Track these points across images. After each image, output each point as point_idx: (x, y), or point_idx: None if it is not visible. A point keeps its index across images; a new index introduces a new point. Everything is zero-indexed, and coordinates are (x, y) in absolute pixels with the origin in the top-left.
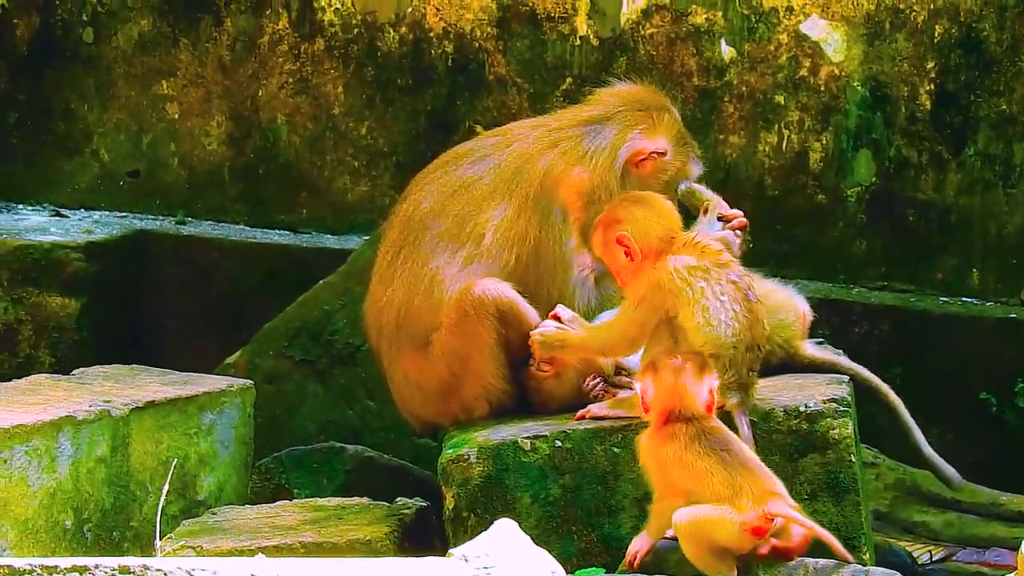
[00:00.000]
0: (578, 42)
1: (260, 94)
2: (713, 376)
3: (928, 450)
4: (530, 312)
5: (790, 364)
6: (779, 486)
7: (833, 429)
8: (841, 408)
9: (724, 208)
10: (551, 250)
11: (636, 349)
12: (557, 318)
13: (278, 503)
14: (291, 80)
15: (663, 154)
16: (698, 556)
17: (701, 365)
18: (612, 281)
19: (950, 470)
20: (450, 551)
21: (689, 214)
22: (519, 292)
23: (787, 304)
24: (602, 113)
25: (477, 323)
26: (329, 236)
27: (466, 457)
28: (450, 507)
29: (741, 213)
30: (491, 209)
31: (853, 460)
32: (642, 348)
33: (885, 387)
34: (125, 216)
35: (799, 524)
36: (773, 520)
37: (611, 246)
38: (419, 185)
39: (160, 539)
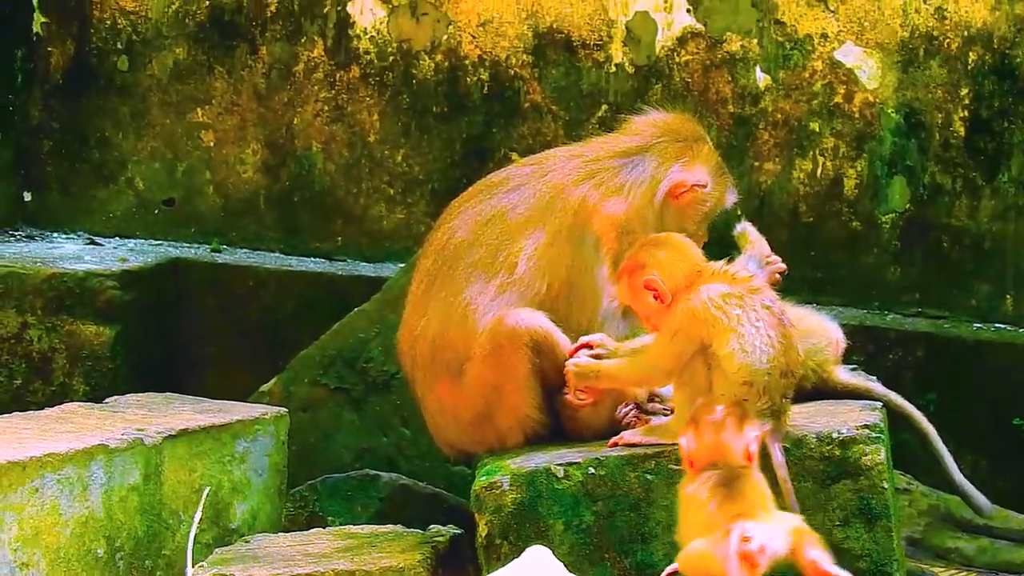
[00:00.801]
0: (613, 69)
1: (295, 122)
2: (754, 426)
3: (959, 477)
4: (564, 341)
5: (823, 390)
6: (760, 510)
7: (866, 455)
8: (874, 434)
9: (765, 250)
10: (583, 280)
11: (671, 380)
12: (588, 346)
13: (311, 531)
14: (326, 108)
15: (704, 186)
16: None
17: (741, 416)
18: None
19: (981, 498)
20: None
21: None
22: (553, 321)
23: (820, 329)
24: (640, 144)
25: (511, 354)
26: (364, 264)
27: (499, 484)
28: (483, 534)
29: (780, 259)
30: (525, 238)
31: (886, 486)
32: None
33: (918, 414)
34: (160, 244)
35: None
36: (749, 542)
37: (639, 292)
38: (453, 214)
39: (192, 567)
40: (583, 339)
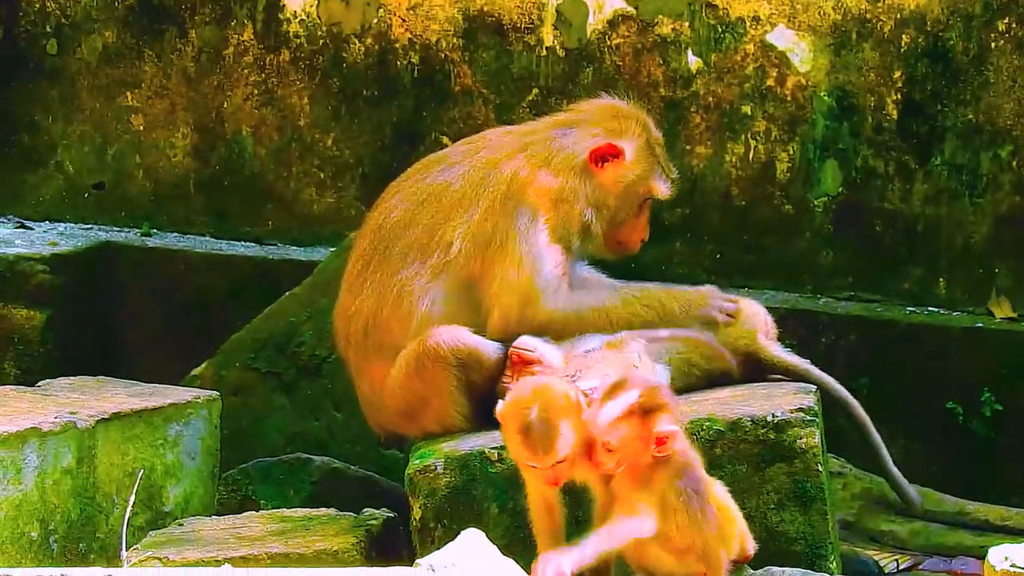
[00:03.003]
0: (544, 53)
1: (225, 106)
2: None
3: (894, 470)
4: (490, 351)
5: (760, 368)
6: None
7: (800, 439)
8: (808, 418)
9: None
10: (516, 246)
11: None
12: (521, 354)
13: (245, 514)
14: (256, 92)
15: (619, 154)
16: None
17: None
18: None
19: (912, 492)
20: (417, 561)
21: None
22: (477, 333)
23: (747, 309)
24: (572, 119)
25: (435, 372)
26: (295, 248)
27: (433, 468)
28: (417, 518)
29: None
30: (459, 216)
31: (820, 469)
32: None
33: (854, 402)
34: (90, 228)
35: None
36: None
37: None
38: (390, 194)
39: (126, 550)
40: (519, 349)
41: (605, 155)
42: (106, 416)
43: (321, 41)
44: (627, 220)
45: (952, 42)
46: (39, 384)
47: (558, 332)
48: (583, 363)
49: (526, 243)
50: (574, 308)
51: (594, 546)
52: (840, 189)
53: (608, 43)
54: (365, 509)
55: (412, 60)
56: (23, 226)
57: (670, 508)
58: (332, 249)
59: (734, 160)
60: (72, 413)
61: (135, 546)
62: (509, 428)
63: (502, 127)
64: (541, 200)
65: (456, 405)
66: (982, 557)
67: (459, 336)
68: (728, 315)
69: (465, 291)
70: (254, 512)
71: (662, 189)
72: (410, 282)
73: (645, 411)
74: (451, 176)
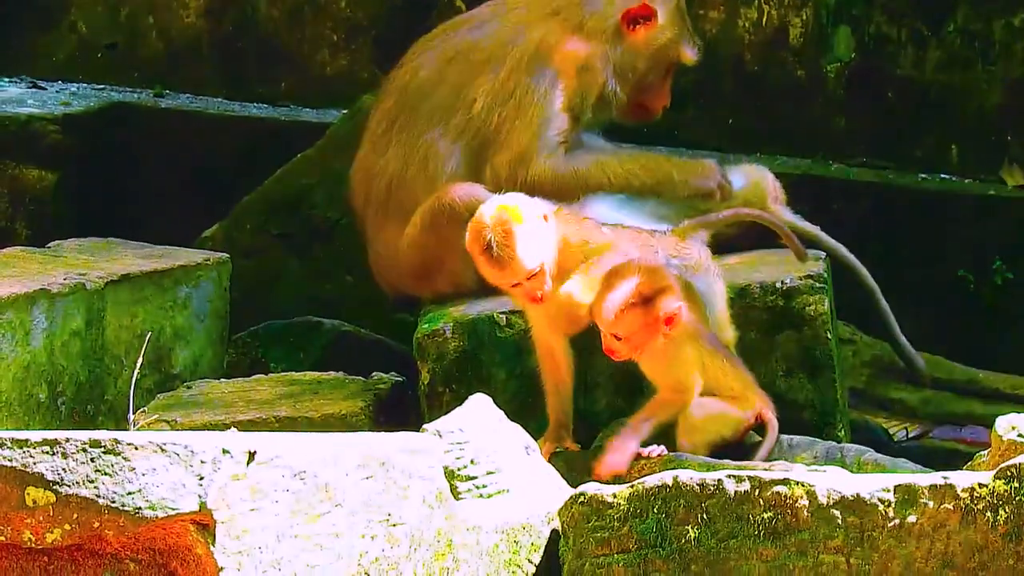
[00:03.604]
0: None
1: None
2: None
3: (900, 338)
4: None
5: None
6: None
7: (809, 305)
8: (817, 284)
9: None
10: (530, 109)
11: None
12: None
13: (253, 377)
14: None
15: (651, 16)
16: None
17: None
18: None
19: (918, 360)
20: (424, 426)
21: None
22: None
23: (750, 172)
24: None
25: (449, 229)
26: (308, 110)
27: (442, 332)
28: (425, 382)
29: None
30: (485, 75)
31: (829, 337)
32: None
33: (863, 269)
34: (103, 88)
35: None
36: None
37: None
38: (416, 52)
39: (133, 412)
40: None
41: (638, 17)
42: (116, 278)
43: None
44: (652, 85)
45: None
46: (49, 245)
47: (549, 192)
48: (644, 240)
49: (540, 105)
50: (568, 169)
51: (636, 432)
52: (853, 55)
53: None
54: (374, 373)
55: None
56: (36, 86)
57: (711, 369)
58: (345, 111)
59: (747, 25)
60: (81, 274)
61: (143, 408)
62: (475, 252)
63: None
64: (566, 66)
65: (469, 264)
66: (991, 426)
67: (474, 193)
68: (725, 193)
69: (483, 150)
70: (263, 375)
71: (690, 54)
72: (435, 143)
73: (647, 297)
74: (480, 35)
